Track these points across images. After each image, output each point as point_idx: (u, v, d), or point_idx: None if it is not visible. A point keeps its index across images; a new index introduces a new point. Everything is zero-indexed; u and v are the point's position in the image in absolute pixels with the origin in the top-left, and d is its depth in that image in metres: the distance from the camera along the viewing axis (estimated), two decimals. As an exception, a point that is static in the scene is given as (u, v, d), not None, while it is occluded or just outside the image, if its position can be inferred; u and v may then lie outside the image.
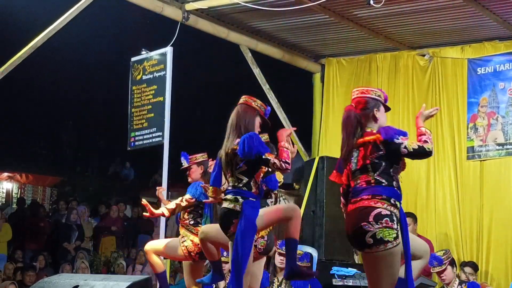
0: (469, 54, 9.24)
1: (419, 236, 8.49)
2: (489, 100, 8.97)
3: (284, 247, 7.60)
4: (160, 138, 8.41)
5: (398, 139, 4.38)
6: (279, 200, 10.67)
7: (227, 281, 7.93)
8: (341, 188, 4.70)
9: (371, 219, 4.28)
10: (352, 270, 7.64)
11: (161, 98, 8.50)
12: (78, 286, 4.52)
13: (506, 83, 8.88)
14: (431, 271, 7.36)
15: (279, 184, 5.71)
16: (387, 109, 4.65)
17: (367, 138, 4.45)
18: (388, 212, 4.31)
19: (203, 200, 6.05)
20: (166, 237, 8.12)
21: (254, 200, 4.91)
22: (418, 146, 4.39)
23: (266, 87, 9.89)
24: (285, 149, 4.84)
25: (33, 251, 11.67)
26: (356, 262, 8.71)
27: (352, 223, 4.37)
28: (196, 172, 6.72)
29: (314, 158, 8.90)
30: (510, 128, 8.82)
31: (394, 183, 4.43)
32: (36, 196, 17.69)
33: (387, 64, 9.81)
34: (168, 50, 8.55)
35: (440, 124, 9.24)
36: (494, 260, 8.66)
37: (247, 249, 4.82)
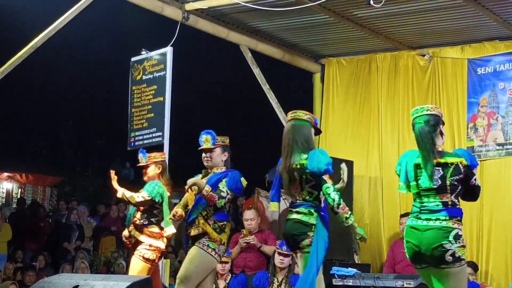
0: (469, 54, 9.23)
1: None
2: (489, 100, 8.97)
3: (284, 247, 7.63)
4: (160, 138, 8.42)
5: (475, 169, 4.69)
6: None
7: (226, 281, 7.94)
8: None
9: (451, 238, 4.56)
10: (352, 270, 7.64)
11: (161, 98, 8.50)
12: (78, 286, 4.52)
13: (506, 83, 8.87)
14: (431, 271, 7.37)
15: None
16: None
17: (449, 160, 4.65)
18: (462, 233, 4.63)
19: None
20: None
21: (323, 214, 5.13)
22: (479, 186, 4.73)
23: (266, 87, 9.88)
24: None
25: (33, 251, 11.67)
26: (356, 262, 8.72)
27: (431, 241, 4.58)
28: (153, 171, 6.69)
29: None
30: (510, 128, 8.82)
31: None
32: (36, 196, 17.71)
33: (387, 64, 9.81)
34: (168, 50, 8.55)
35: (440, 124, 9.25)
36: (494, 260, 8.65)
37: (322, 261, 5.06)
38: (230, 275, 7.97)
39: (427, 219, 4.63)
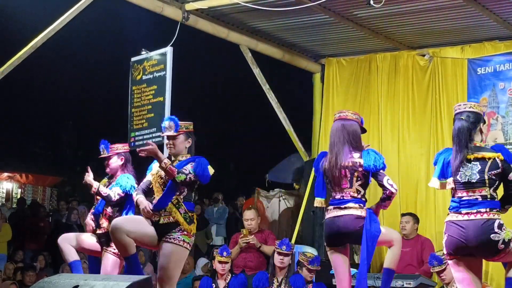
0: (469, 54, 9.23)
1: (418, 236, 8.53)
2: (489, 100, 8.97)
3: (283, 247, 7.63)
4: (160, 138, 8.40)
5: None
6: (280, 200, 10.72)
7: (226, 281, 7.93)
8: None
9: (496, 229, 4.71)
10: (352, 270, 7.62)
11: (161, 98, 8.50)
12: (78, 286, 4.52)
13: (506, 83, 8.87)
14: (431, 271, 7.37)
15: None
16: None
17: (486, 155, 4.78)
18: (503, 221, 4.79)
19: None
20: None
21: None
22: None
23: (266, 87, 9.89)
24: None
25: (33, 251, 11.68)
26: (356, 262, 8.71)
27: (478, 234, 4.72)
28: (115, 163, 6.55)
29: (314, 158, 8.89)
30: (510, 128, 8.82)
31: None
32: (36, 196, 17.72)
33: (387, 64, 9.81)
34: (168, 50, 8.55)
35: (440, 124, 9.24)
36: (494, 260, 8.65)
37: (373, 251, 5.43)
38: (230, 275, 7.97)
39: (467, 213, 4.78)
